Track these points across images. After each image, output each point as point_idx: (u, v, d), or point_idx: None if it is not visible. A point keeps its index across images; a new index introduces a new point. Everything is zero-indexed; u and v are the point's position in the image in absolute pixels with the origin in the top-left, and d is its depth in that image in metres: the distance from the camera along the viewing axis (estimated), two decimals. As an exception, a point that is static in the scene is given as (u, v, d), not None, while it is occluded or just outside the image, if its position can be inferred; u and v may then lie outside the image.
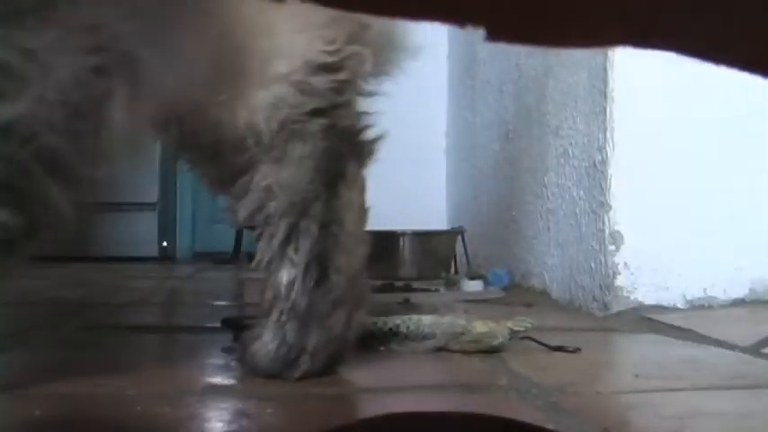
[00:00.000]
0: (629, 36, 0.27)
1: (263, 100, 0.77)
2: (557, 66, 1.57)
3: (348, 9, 0.27)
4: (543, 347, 0.95)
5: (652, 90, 1.32)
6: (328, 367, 0.80)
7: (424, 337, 0.95)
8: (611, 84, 1.31)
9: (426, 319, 0.97)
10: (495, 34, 0.26)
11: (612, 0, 0.26)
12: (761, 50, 0.26)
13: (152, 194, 4.73)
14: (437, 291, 1.70)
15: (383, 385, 0.81)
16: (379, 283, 1.74)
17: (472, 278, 1.69)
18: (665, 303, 1.29)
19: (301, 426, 0.64)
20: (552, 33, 0.27)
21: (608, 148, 1.32)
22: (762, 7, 0.25)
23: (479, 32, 0.26)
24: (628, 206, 1.31)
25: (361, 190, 0.83)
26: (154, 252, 4.65)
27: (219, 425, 0.65)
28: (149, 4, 0.54)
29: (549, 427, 0.60)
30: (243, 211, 0.81)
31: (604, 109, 1.33)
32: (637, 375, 0.84)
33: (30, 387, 0.77)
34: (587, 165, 1.40)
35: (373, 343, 0.97)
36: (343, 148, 0.80)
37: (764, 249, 1.33)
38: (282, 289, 0.78)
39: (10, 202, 0.50)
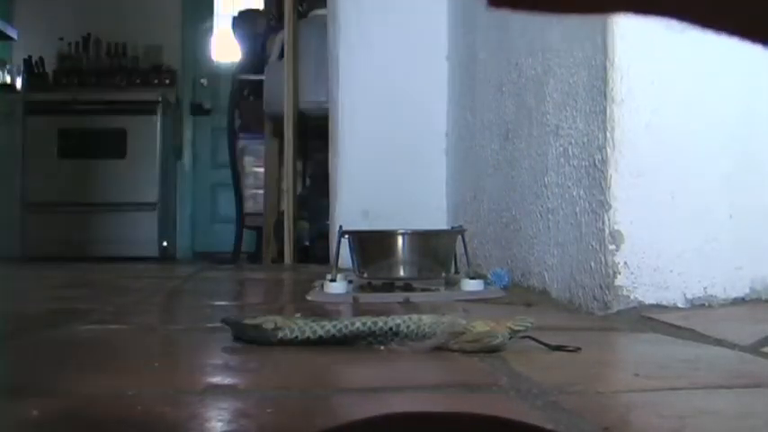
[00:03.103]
0: (630, 2, 0.27)
1: None
2: (557, 66, 1.57)
3: None
4: (543, 347, 0.95)
5: (652, 90, 1.31)
6: None
7: (424, 337, 0.95)
8: (611, 84, 1.31)
9: (426, 319, 0.97)
10: (496, 0, 0.25)
11: None
12: (760, 16, 0.26)
13: (152, 194, 4.74)
14: (437, 291, 1.70)
15: (383, 385, 0.81)
16: (379, 283, 1.74)
17: (472, 278, 1.69)
18: (665, 303, 1.29)
19: (301, 426, 0.64)
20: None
21: (608, 148, 1.31)
22: None
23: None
24: (628, 206, 1.31)
25: None
26: (154, 252, 4.66)
27: (219, 425, 0.65)
28: None
29: (549, 427, 0.60)
30: None
31: (604, 109, 1.32)
32: (637, 375, 0.84)
33: (29, 387, 0.77)
34: (587, 164, 1.40)
35: (373, 343, 0.97)
36: None
37: (764, 249, 1.33)
38: None
39: None
